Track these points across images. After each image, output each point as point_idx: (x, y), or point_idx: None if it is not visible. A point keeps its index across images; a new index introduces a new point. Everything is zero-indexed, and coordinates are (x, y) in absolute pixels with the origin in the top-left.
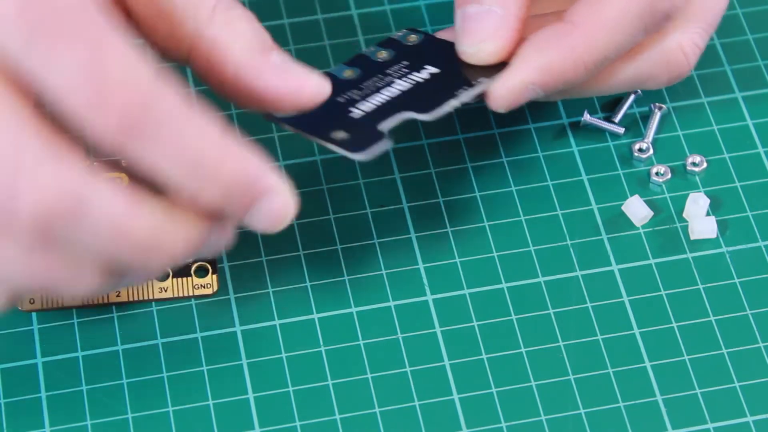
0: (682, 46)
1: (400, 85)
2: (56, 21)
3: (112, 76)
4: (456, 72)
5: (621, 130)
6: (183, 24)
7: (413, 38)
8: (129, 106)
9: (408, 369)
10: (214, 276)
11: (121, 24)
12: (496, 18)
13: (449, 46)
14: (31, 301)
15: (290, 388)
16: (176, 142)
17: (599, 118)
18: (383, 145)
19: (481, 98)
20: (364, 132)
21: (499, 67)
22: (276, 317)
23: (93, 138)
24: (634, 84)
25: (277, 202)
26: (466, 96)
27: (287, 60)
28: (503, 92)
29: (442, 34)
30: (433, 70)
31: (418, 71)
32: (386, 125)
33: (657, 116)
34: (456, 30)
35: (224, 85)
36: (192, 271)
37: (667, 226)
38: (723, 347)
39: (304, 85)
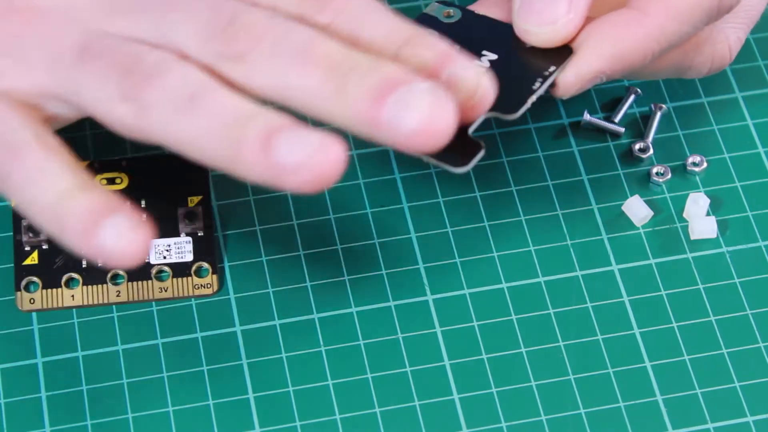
0: (729, 40)
1: None
2: None
3: None
4: (517, 58)
5: (621, 130)
6: None
7: (450, 13)
8: None
9: (408, 369)
10: (214, 276)
11: None
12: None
13: (497, 25)
14: (32, 300)
15: (290, 388)
16: None
17: (599, 118)
18: (480, 155)
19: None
20: (458, 140)
21: (562, 51)
22: (276, 317)
23: None
24: (676, 72)
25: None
26: (542, 88)
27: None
28: (573, 80)
29: (481, 8)
30: (492, 56)
31: (478, 58)
32: (472, 127)
33: (657, 116)
34: (517, 6)
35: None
36: (192, 271)
37: (667, 226)
38: (723, 347)
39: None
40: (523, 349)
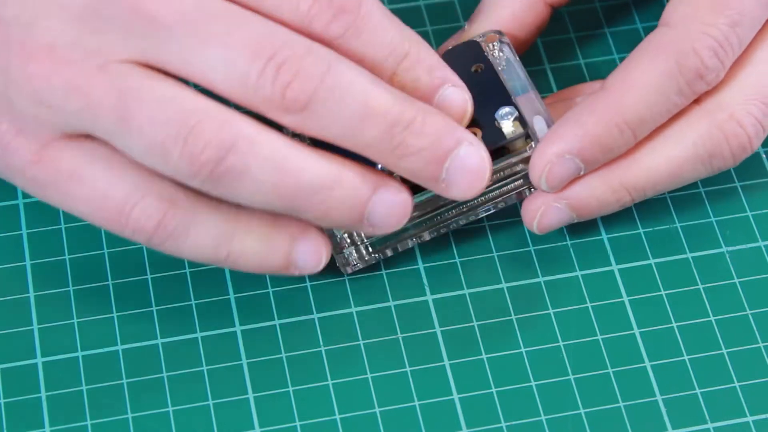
0: (736, 116)
1: None
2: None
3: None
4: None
5: None
6: None
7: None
8: (296, 89)
9: (408, 369)
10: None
11: None
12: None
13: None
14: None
15: (290, 388)
16: (344, 113)
17: None
18: None
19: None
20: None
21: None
22: (276, 317)
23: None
24: (699, 165)
25: (469, 157)
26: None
27: None
28: (540, 164)
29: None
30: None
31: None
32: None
33: None
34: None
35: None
36: None
37: (667, 226)
38: (723, 347)
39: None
40: (523, 349)
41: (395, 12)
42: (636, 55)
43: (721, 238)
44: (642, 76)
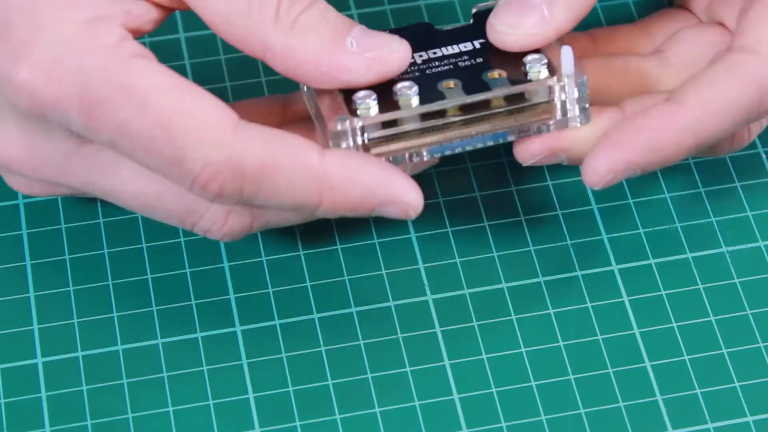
0: (750, 127)
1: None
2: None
3: (189, 158)
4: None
5: None
6: (250, 33)
7: None
8: (219, 181)
9: (408, 369)
10: None
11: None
12: (541, 15)
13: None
14: None
15: (290, 388)
16: (279, 196)
17: None
18: None
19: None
20: None
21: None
22: (276, 317)
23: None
24: (697, 153)
25: (394, 212)
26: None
27: (364, 36)
28: (606, 169)
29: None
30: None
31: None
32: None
33: None
34: (497, 7)
35: (309, 81)
36: None
37: (667, 226)
38: (723, 347)
39: (388, 59)
40: (523, 349)
41: (395, 12)
42: (718, 76)
43: (721, 238)
44: (724, 105)
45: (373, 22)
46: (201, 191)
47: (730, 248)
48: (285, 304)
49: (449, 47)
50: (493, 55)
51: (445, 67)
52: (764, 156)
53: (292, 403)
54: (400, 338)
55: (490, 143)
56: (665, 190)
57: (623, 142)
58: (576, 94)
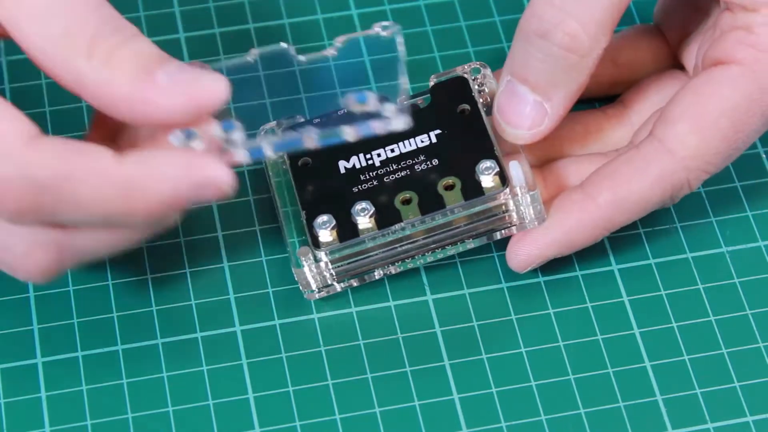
0: (690, 182)
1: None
2: None
3: None
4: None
5: None
6: (64, 67)
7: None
8: (13, 195)
9: (408, 369)
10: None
11: None
12: (543, 113)
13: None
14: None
15: (290, 388)
16: (82, 207)
17: None
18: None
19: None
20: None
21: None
22: (276, 317)
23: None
24: (643, 215)
25: (209, 194)
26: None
27: (178, 71)
28: (522, 260)
29: None
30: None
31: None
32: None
33: None
34: (499, 97)
35: (124, 117)
36: None
37: (667, 226)
38: (723, 347)
39: (200, 95)
40: (523, 349)
41: (395, 12)
42: (632, 174)
43: (721, 238)
44: (635, 204)
45: (373, 22)
46: None
47: (730, 248)
48: (285, 304)
49: (406, 142)
50: (448, 158)
51: (402, 173)
52: (764, 156)
53: (292, 403)
54: (400, 338)
55: (452, 252)
56: None
57: (538, 238)
58: (529, 202)
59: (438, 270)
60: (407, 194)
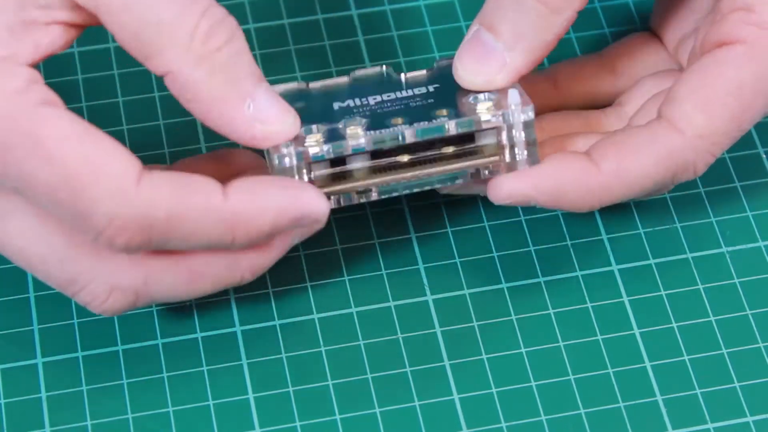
0: (696, 165)
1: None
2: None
3: (95, 211)
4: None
5: None
6: (158, 55)
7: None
8: (126, 236)
9: (408, 369)
10: None
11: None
12: (502, 62)
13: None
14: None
15: (290, 388)
16: (189, 242)
17: None
18: None
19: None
20: None
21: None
22: (276, 317)
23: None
24: (640, 197)
25: (306, 226)
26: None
27: (264, 102)
28: (505, 193)
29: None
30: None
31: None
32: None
33: None
34: (463, 44)
35: (195, 115)
36: None
37: (668, 227)
38: (723, 347)
39: (273, 137)
40: (523, 349)
41: (395, 12)
42: (639, 146)
43: (721, 238)
44: (636, 177)
45: (373, 22)
46: (108, 244)
47: (730, 248)
48: (285, 304)
49: (403, 91)
50: (444, 97)
51: (396, 107)
52: (764, 156)
53: (292, 403)
54: (400, 338)
55: (438, 186)
56: None
57: (529, 176)
58: (523, 135)
59: (438, 270)
60: (399, 119)
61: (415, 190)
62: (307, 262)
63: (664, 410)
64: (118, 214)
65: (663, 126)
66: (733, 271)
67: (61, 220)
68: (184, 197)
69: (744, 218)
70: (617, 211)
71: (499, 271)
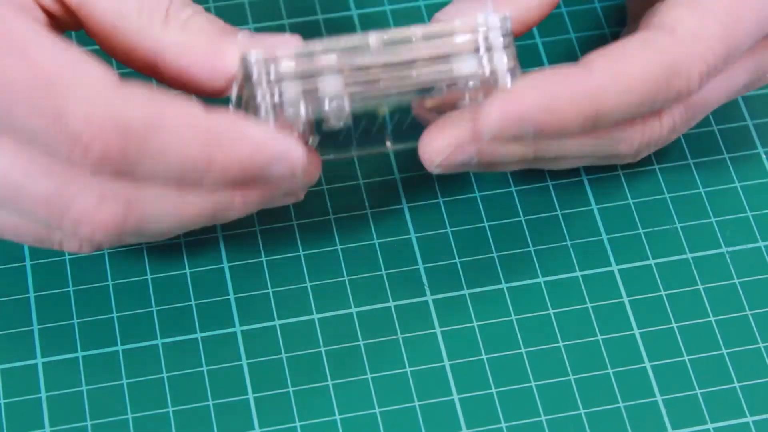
0: (690, 72)
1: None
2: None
3: (72, 112)
4: None
5: None
6: (141, 36)
7: None
8: (103, 141)
9: (408, 369)
10: None
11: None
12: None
13: None
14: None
15: (290, 388)
16: (166, 155)
17: None
18: None
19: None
20: None
21: None
22: (276, 317)
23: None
24: (597, 160)
25: (281, 170)
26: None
27: (250, 37)
28: (496, 117)
29: None
30: None
31: None
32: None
33: None
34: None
35: (200, 80)
36: None
37: (668, 227)
38: (723, 347)
39: (277, 42)
40: (523, 349)
41: (395, 12)
42: (630, 50)
43: (721, 238)
44: (631, 78)
45: (373, 22)
46: (82, 155)
47: (730, 248)
48: (285, 304)
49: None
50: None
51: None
52: (764, 156)
53: (292, 403)
54: (400, 338)
55: (409, 99)
56: (665, 190)
57: (520, 93)
58: (500, 29)
59: (438, 270)
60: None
61: (392, 104)
62: (307, 262)
63: (663, 410)
64: (96, 114)
65: (653, 31)
66: (733, 271)
67: (38, 144)
68: (164, 104)
69: (744, 218)
70: (617, 211)
71: (499, 270)
